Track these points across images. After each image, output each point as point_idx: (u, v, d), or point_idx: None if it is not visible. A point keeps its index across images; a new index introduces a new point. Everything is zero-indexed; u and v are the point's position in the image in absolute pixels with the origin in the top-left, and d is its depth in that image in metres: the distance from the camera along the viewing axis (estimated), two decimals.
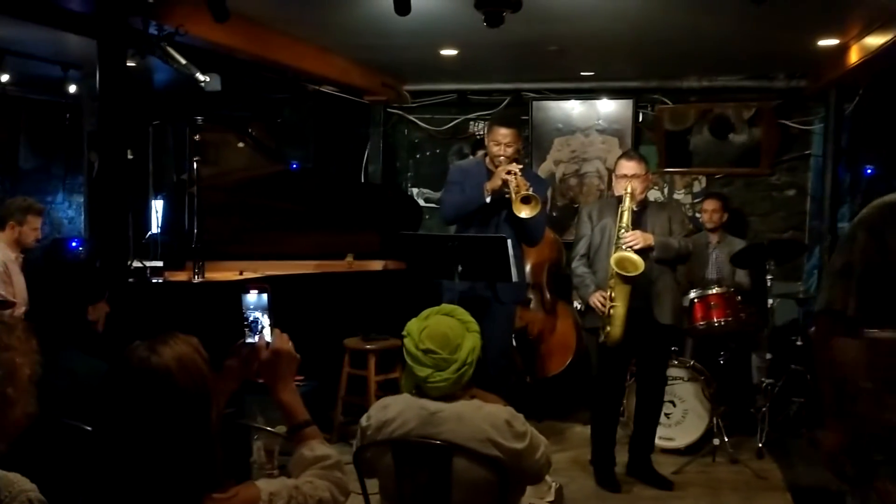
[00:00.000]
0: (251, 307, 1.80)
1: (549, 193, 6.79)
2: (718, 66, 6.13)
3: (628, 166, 4.18)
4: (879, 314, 2.08)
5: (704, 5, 4.23)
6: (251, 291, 1.81)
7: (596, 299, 4.14)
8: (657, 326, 4.19)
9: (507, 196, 4.09)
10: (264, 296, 1.81)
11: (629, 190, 4.09)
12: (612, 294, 4.05)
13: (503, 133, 4.20)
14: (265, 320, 1.80)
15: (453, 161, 6.74)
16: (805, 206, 6.50)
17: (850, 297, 2.13)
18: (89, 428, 2.07)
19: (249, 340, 1.79)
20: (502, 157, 4.17)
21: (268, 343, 1.78)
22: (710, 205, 5.63)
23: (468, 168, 4.50)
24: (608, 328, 4.08)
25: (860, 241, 2.15)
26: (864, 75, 5.21)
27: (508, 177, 4.07)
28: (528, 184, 4.09)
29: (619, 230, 4.08)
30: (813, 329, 2.28)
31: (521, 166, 4.16)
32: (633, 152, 4.48)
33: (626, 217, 4.08)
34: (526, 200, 4.02)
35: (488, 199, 4.17)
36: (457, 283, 4.04)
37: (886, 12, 4.15)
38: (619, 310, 4.04)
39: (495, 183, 4.13)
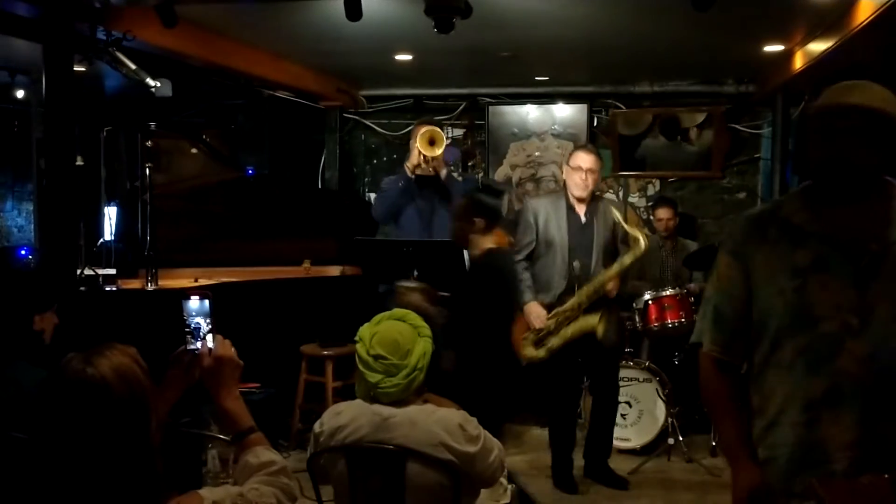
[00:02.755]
0: (193, 314, 1.78)
1: (505, 198, 6.88)
2: (670, 72, 6.24)
3: (587, 159, 4.13)
4: (743, 350, 1.84)
5: (652, 12, 4.31)
6: (192, 298, 1.79)
7: (533, 314, 4.17)
8: (602, 348, 4.24)
9: (423, 162, 4.32)
10: (206, 302, 1.79)
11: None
12: (558, 320, 4.12)
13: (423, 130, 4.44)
14: (207, 326, 1.78)
15: None
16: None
17: (708, 332, 1.89)
18: (23, 437, 2.04)
19: (191, 347, 1.77)
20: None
21: (210, 349, 1.76)
22: (663, 213, 5.66)
23: (398, 176, 4.60)
24: (544, 347, 4.16)
25: (721, 266, 1.86)
26: (809, 80, 5.34)
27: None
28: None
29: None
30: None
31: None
32: (591, 146, 4.46)
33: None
34: (432, 142, 4.24)
35: (412, 175, 4.35)
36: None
37: (828, 19, 4.26)
38: (556, 341, 4.13)
39: (411, 157, 4.32)
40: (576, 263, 4.11)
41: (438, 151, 4.23)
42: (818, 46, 4.64)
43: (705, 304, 1.92)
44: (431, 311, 4.15)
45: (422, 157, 4.38)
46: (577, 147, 4.39)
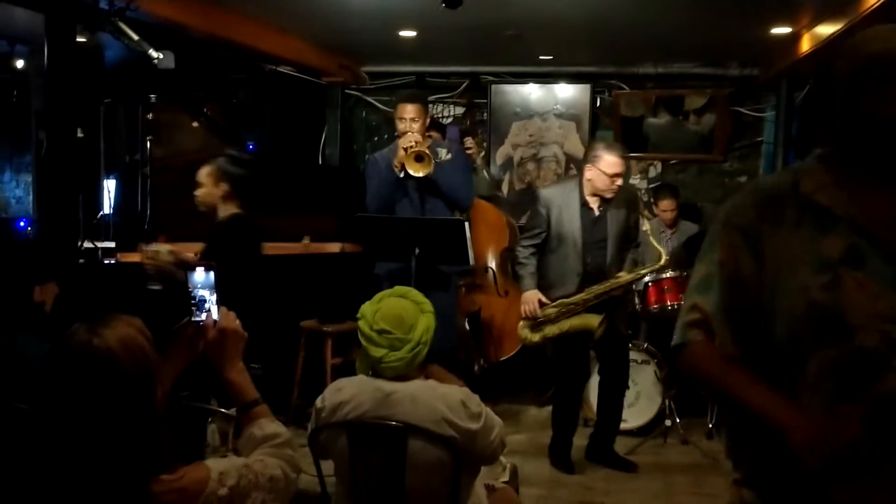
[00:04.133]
0: (198, 285, 1.76)
1: (505, 177, 6.86)
2: (674, 54, 6.20)
3: (620, 164, 4.00)
4: (750, 346, 1.43)
5: None
6: (197, 269, 1.77)
7: (530, 304, 4.17)
8: (616, 333, 4.25)
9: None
10: (211, 274, 1.77)
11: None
12: (560, 310, 4.13)
13: (408, 109, 4.22)
14: (212, 298, 1.76)
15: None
16: None
17: (701, 328, 1.46)
18: (27, 407, 2.03)
19: (195, 319, 1.75)
20: (408, 133, 4.20)
21: (215, 321, 1.75)
22: (666, 205, 5.62)
23: (382, 157, 4.47)
24: (540, 332, 4.20)
25: (726, 246, 1.47)
26: (814, 65, 5.31)
27: (409, 144, 4.14)
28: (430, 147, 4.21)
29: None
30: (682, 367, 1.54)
31: (419, 138, 4.17)
32: (621, 149, 4.17)
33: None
34: (419, 158, 4.10)
35: (401, 174, 4.22)
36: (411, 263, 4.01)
37: (837, 2, 4.23)
38: (553, 330, 4.16)
39: (399, 156, 4.19)
40: (589, 259, 4.12)
41: (422, 174, 4.13)
42: (826, 30, 4.61)
43: (697, 295, 1.48)
44: (180, 275, 4.21)
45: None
46: (610, 150, 4.06)
